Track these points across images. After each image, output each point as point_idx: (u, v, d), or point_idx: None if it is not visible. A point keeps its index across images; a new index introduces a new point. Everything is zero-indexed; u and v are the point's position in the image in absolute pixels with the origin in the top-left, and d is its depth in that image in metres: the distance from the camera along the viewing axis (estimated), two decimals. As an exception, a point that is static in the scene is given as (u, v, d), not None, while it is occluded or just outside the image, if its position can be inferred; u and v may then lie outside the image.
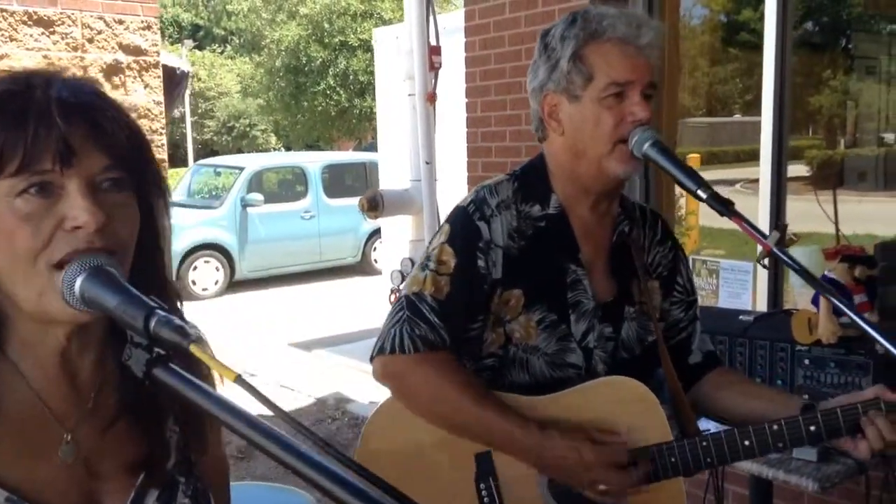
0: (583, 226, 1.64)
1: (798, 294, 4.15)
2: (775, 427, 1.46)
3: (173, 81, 5.55)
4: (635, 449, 1.53)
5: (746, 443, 1.48)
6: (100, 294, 0.86)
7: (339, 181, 11.97)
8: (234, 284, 10.94)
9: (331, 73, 18.86)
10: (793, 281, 4.26)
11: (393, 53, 6.49)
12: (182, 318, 1.07)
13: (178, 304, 1.07)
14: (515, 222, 1.60)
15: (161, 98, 5.12)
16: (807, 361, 2.55)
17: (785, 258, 1.33)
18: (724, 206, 1.39)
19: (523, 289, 1.59)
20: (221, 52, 29.87)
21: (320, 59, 18.79)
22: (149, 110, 5.06)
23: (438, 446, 1.58)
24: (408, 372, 1.56)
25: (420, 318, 1.55)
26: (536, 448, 1.50)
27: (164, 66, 5.34)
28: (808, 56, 9.83)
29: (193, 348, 0.79)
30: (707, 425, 2.48)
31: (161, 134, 5.12)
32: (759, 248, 1.41)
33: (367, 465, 1.60)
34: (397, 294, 1.64)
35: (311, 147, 21.68)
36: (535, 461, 1.52)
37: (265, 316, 9.34)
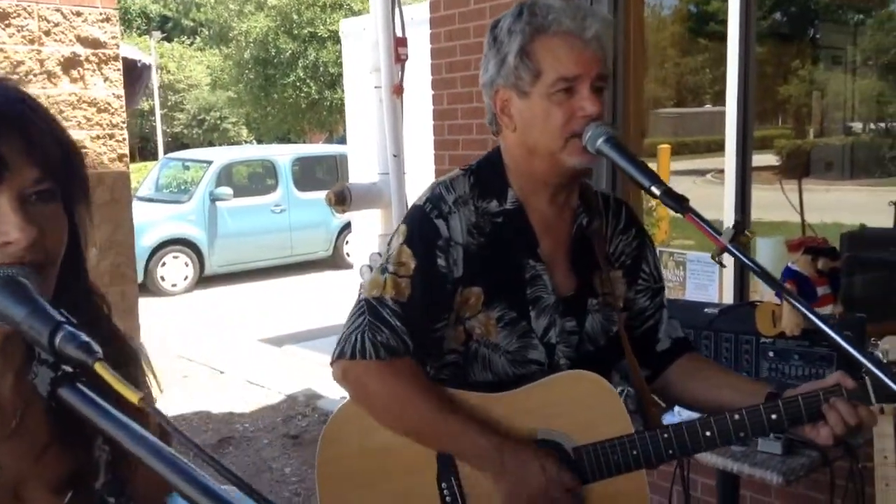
0: (541, 220, 1.62)
1: (764, 286, 4.16)
2: (736, 416, 1.45)
3: (134, 74, 5.43)
4: (594, 444, 1.52)
5: (708, 433, 1.47)
6: (8, 306, 0.81)
7: (309, 174, 11.88)
8: (204, 280, 10.85)
9: (300, 64, 18.70)
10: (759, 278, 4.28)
11: (360, 45, 6.43)
12: (108, 325, 1.02)
13: (105, 311, 1.02)
14: (474, 218, 1.57)
15: (121, 91, 5.01)
16: (771, 354, 2.55)
17: (740, 255, 1.30)
18: (679, 203, 1.37)
19: (483, 286, 1.57)
20: (191, 44, 29.52)
21: (290, 51, 18.61)
22: (108, 104, 4.95)
23: (399, 448, 1.56)
24: (368, 378, 1.53)
25: (382, 322, 1.53)
26: (497, 459, 1.48)
27: (125, 59, 5.23)
28: (776, 46, 9.91)
29: (98, 367, 0.74)
30: (673, 418, 2.48)
31: (122, 128, 5.02)
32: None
33: (328, 468, 1.61)
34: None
35: (282, 140, 21.53)
36: (495, 471, 1.50)
37: (235, 311, 9.25)
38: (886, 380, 1.27)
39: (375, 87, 4.77)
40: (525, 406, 1.54)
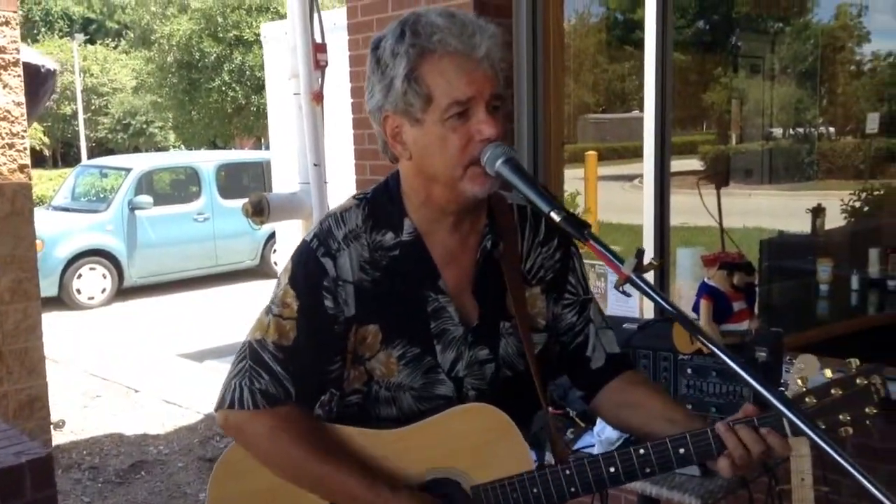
0: (443, 250, 1.51)
1: (684, 299, 4.15)
2: (642, 451, 1.37)
3: (37, 81, 5.13)
4: (485, 484, 1.43)
5: (612, 469, 1.38)
6: None
7: (235, 181, 11.60)
8: (123, 292, 10.51)
9: (226, 68, 18.33)
10: (678, 288, 4.27)
11: (282, 50, 6.26)
12: None
13: None
14: (367, 253, 1.47)
15: (22, 98, 4.73)
16: (689, 370, 2.51)
17: (642, 286, 1.22)
18: (579, 231, 1.28)
19: (379, 324, 1.47)
20: (115, 47, 28.72)
21: (214, 55, 18.22)
22: (8, 112, 4.68)
23: (287, 490, 1.48)
24: (246, 428, 1.46)
25: (263, 367, 1.45)
26: None
27: (27, 65, 4.94)
28: (699, 54, 10.08)
29: None
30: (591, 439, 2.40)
31: (22, 137, 4.75)
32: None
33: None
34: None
35: (210, 145, 21.07)
36: None
37: (155, 325, 8.93)
38: (796, 419, 1.18)
39: (294, 94, 4.64)
40: (421, 443, 1.46)
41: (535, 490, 1.41)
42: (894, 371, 3.13)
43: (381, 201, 1.51)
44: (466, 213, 1.50)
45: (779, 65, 9.28)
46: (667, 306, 1.22)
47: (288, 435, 1.44)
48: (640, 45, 3.44)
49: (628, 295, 1.27)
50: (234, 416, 1.46)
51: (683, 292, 4.22)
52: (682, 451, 1.35)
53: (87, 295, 10.17)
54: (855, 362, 1.36)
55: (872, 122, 7.46)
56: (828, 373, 1.36)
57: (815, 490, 2.12)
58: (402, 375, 1.47)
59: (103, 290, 10.32)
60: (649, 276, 3.46)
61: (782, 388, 2.12)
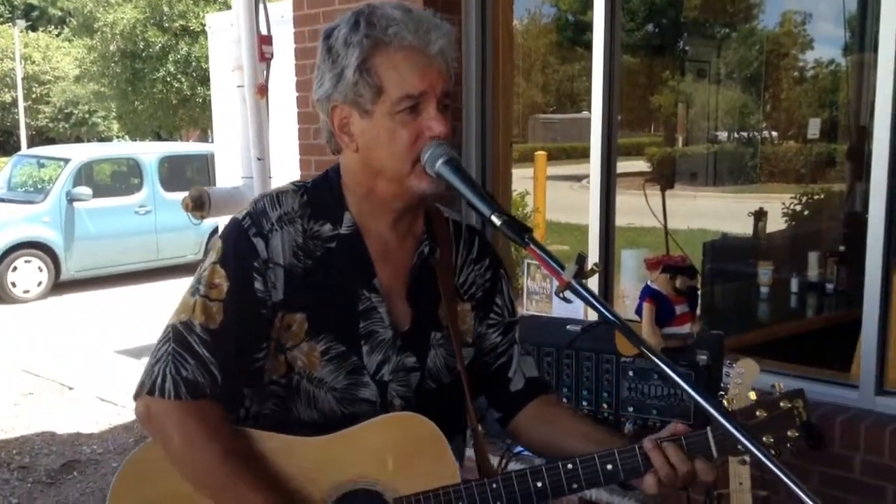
0: (381, 248, 1.48)
1: (627, 302, 4.17)
2: (570, 466, 1.35)
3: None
4: (416, 495, 1.38)
5: (539, 484, 1.35)
6: None
7: (178, 174, 11.35)
8: (60, 286, 10.20)
9: (171, 59, 17.96)
10: (623, 289, 4.29)
11: (227, 41, 6.14)
12: None
13: None
14: (301, 239, 1.43)
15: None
16: (631, 373, 2.50)
17: (583, 292, 1.18)
18: (520, 235, 1.24)
19: (307, 314, 1.42)
20: (58, 34, 27.97)
21: (160, 45, 17.84)
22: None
23: (197, 498, 1.40)
24: (165, 418, 1.38)
25: (188, 352, 1.38)
26: None
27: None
28: (648, 57, 10.20)
29: None
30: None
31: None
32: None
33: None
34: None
35: (156, 136, 20.65)
36: None
37: (92, 320, 8.69)
38: (733, 430, 1.16)
39: (239, 86, 4.54)
40: (344, 452, 1.40)
41: (459, 503, 1.37)
42: (832, 373, 3.18)
43: (321, 192, 1.48)
44: (407, 211, 1.48)
45: (724, 69, 9.44)
46: (607, 314, 1.19)
47: (202, 434, 1.36)
48: (590, 46, 3.45)
49: (569, 301, 1.24)
50: (153, 404, 1.38)
51: (629, 292, 4.23)
52: (609, 466, 1.34)
53: (23, 288, 9.87)
54: (779, 385, 1.36)
55: (814, 128, 7.62)
56: (752, 395, 1.36)
57: (753, 493, 2.13)
58: (324, 371, 1.42)
59: (39, 284, 10.03)
60: (594, 278, 3.41)
61: (722, 393, 2.12)
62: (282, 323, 1.41)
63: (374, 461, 1.39)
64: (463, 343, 1.54)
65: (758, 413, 1.30)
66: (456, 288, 1.55)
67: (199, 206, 4.63)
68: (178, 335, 1.38)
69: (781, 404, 1.31)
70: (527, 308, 3.52)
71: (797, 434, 1.30)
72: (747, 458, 1.32)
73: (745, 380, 2.11)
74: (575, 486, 1.35)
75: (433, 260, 1.51)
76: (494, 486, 1.36)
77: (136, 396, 1.41)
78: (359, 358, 1.44)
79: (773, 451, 1.30)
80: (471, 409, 1.51)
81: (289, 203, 1.43)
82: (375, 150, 1.39)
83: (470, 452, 1.54)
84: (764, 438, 1.30)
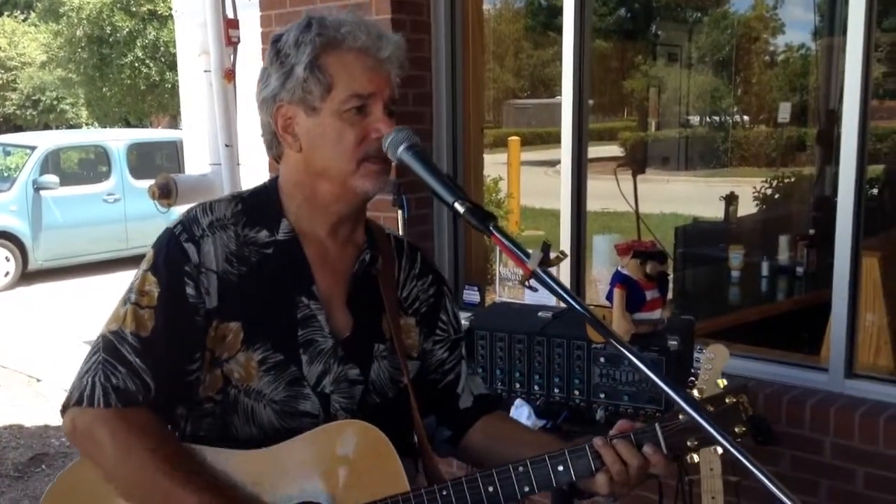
0: (320, 254, 1.45)
1: (599, 288, 4.16)
2: (521, 468, 1.32)
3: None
4: None
5: (490, 489, 1.32)
6: None
7: (147, 161, 11.17)
8: (28, 276, 10.01)
9: (139, 44, 17.65)
10: (595, 274, 4.29)
11: (194, 25, 6.04)
12: None
13: None
14: (234, 245, 1.41)
15: None
16: (602, 360, 2.50)
17: (548, 280, 1.16)
18: (484, 223, 1.22)
19: (242, 322, 1.39)
20: (25, 19, 27.39)
21: (127, 29, 17.53)
22: None
23: None
24: (95, 429, 1.32)
25: (119, 360, 1.33)
26: None
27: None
28: (620, 42, 10.19)
29: None
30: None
31: None
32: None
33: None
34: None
35: (125, 123, 20.33)
36: None
37: (60, 311, 8.56)
38: (700, 420, 1.14)
39: (205, 71, 4.47)
40: (287, 463, 1.35)
41: None
42: (802, 357, 3.20)
43: (257, 200, 1.47)
44: (348, 217, 1.46)
45: (696, 54, 9.46)
46: (573, 303, 1.17)
47: (135, 439, 1.31)
48: (562, 31, 3.42)
49: (534, 290, 1.21)
50: (81, 416, 1.32)
51: (601, 277, 4.23)
52: (560, 467, 1.32)
53: (-11, 278, 9.69)
54: (723, 382, 1.37)
55: (784, 112, 7.66)
56: (721, 382, 1.35)
57: (724, 479, 2.13)
58: (262, 383, 1.38)
59: (6, 274, 9.84)
60: (566, 263, 3.38)
61: (692, 379, 2.12)
62: (216, 332, 1.37)
63: (318, 472, 1.35)
64: (408, 357, 1.51)
65: (680, 417, 1.29)
66: (399, 301, 1.53)
67: (165, 193, 4.57)
68: (108, 345, 1.34)
69: (727, 400, 1.30)
70: (499, 295, 3.50)
71: (744, 429, 1.29)
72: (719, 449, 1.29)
73: (715, 365, 2.11)
74: (527, 488, 1.32)
75: (375, 270, 1.49)
76: (444, 492, 1.33)
77: (64, 410, 1.36)
78: (298, 368, 1.40)
79: (719, 448, 1.27)
80: (419, 423, 1.48)
81: (221, 210, 1.42)
82: (320, 148, 1.39)
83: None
84: (688, 442, 1.29)
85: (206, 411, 1.40)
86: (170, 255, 1.37)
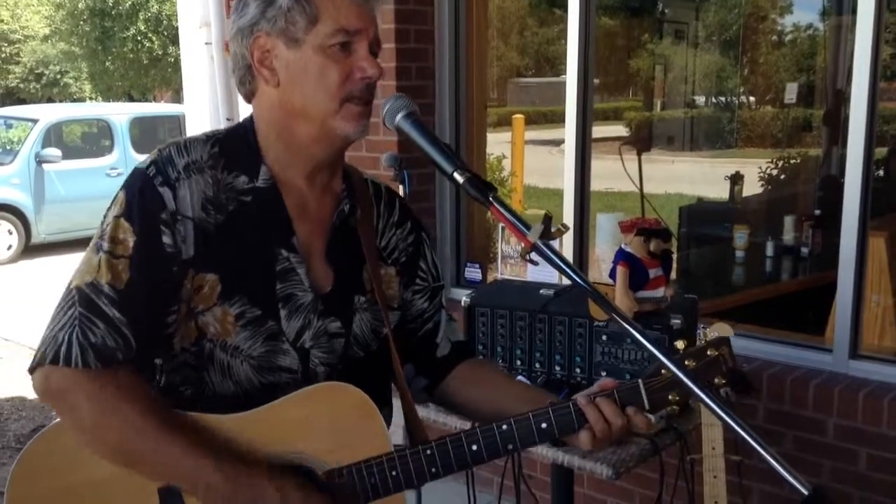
0: (299, 203, 1.38)
1: (601, 265, 4.14)
2: (504, 427, 1.31)
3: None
4: (341, 468, 1.32)
5: (474, 447, 1.31)
6: None
7: (150, 135, 11.12)
8: (31, 249, 10.01)
9: (141, 17, 17.54)
10: (599, 253, 4.26)
11: (196, -2, 5.99)
12: None
13: None
14: (211, 191, 1.32)
15: None
16: (604, 337, 2.48)
17: (549, 253, 1.14)
18: (483, 194, 1.19)
19: (219, 274, 1.31)
20: (27, -8, 27.22)
21: (130, 2, 17.43)
22: None
23: (111, 482, 1.28)
24: (73, 388, 1.24)
25: (97, 315, 1.25)
26: (229, 487, 1.24)
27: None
28: (626, 20, 10.08)
29: None
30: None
31: None
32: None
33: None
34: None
35: (128, 97, 20.26)
36: (226, 503, 1.26)
37: (64, 284, 8.53)
38: (693, 386, 1.12)
39: (206, 44, 4.43)
40: (269, 426, 1.32)
41: (393, 473, 1.31)
42: (806, 337, 3.18)
43: (234, 142, 1.37)
44: (325, 163, 1.39)
45: (703, 33, 9.36)
46: (573, 275, 1.15)
47: (121, 399, 1.24)
48: (567, 8, 3.38)
49: (535, 263, 1.19)
50: (57, 375, 1.24)
51: (605, 256, 4.21)
52: (544, 425, 1.31)
53: (-8, 252, 9.69)
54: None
55: (791, 92, 7.59)
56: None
57: (725, 458, 2.12)
58: (239, 338, 1.32)
59: (9, 247, 9.84)
60: (568, 242, 3.35)
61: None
62: (192, 284, 1.30)
63: (302, 435, 1.32)
64: (389, 307, 1.47)
65: (686, 363, 1.29)
66: (379, 251, 1.48)
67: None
68: (84, 298, 1.25)
69: (708, 352, 1.30)
70: (501, 272, 3.48)
71: (724, 381, 1.29)
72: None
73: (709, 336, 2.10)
74: (510, 446, 1.31)
75: (353, 220, 1.43)
76: (429, 452, 1.31)
77: (34, 368, 1.27)
78: (276, 323, 1.34)
79: (677, 408, 1.31)
80: (400, 373, 1.45)
81: (198, 151, 1.32)
82: (300, 84, 1.31)
83: (399, 418, 1.49)
84: (670, 396, 1.30)
85: (180, 363, 1.35)
86: (144, 200, 1.28)
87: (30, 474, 1.29)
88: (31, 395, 5.37)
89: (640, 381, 1.30)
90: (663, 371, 1.29)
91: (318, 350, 1.38)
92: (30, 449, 1.30)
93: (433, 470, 1.31)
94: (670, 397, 1.29)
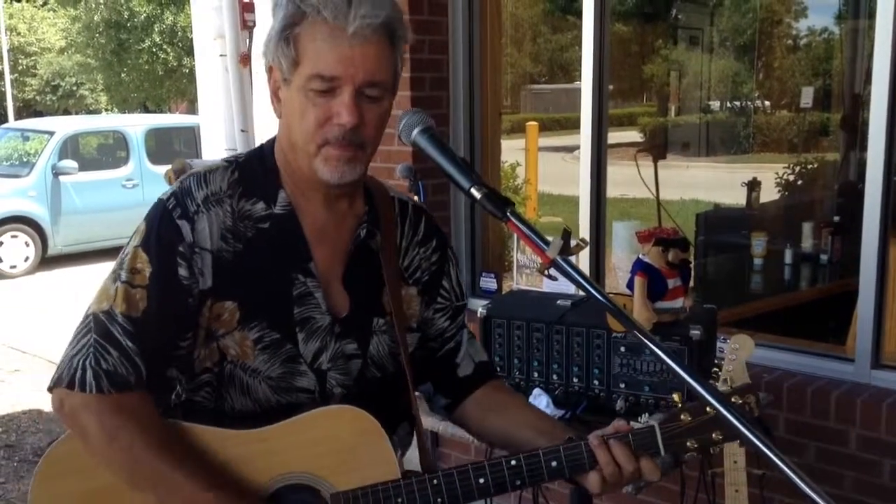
0: (317, 229, 1.39)
1: (618, 276, 4.11)
2: (513, 462, 1.29)
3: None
4: (346, 491, 1.31)
5: (481, 480, 1.29)
6: None
7: (165, 146, 11.19)
8: (48, 260, 10.07)
9: (156, 29, 17.68)
10: (615, 261, 4.23)
11: (209, 9, 6.02)
12: None
13: None
14: (230, 221, 1.33)
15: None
16: (622, 349, 2.46)
17: (569, 269, 1.12)
18: (501, 209, 1.17)
19: (238, 301, 1.33)
20: (43, 4, 27.53)
21: (145, 14, 17.57)
22: None
23: (122, 489, 1.32)
24: (84, 414, 1.28)
25: (111, 342, 1.28)
26: None
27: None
28: (640, 26, 10.05)
29: None
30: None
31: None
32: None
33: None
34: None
35: (143, 109, 20.43)
36: None
37: (81, 295, 8.59)
38: (724, 410, 1.09)
39: (221, 56, 4.44)
40: (280, 445, 1.33)
41: (399, 500, 1.30)
42: (827, 347, 3.14)
43: (253, 167, 1.39)
44: (337, 193, 1.38)
45: (717, 37, 9.32)
46: (594, 292, 1.12)
47: (128, 424, 1.27)
48: (581, 15, 3.37)
49: (554, 279, 1.17)
50: (71, 399, 1.28)
51: (621, 265, 4.18)
52: (554, 463, 1.29)
53: (10, 263, 9.73)
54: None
55: (807, 97, 7.53)
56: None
57: (748, 471, 2.09)
58: (258, 360, 1.34)
59: (26, 259, 9.90)
60: (585, 250, 3.31)
61: (716, 370, 2.07)
62: (211, 312, 1.33)
63: (312, 455, 1.32)
64: (407, 329, 1.47)
65: (707, 410, 1.26)
66: (401, 271, 1.47)
67: (182, 179, 4.56)
68: (99, 325, 1.29)
69: (733, 399, 1.28)
70: (517, 282, 3.46)
71: (720, 437, 1.27)
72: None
73: (739, 356, 2.07)
74: (518, 482, 1.30)
75: (374, 243, 1.43)
76: (435, 482, 1.29)
77: (52, 388, 1.31)
78: (294, 346, 1.36)
79: (720, 448, 1.28)
80: (414, 400, 1.45)
81: (217, 182, 1.34)
82: (291, 122, 1.32)
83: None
84: (713, 435, 1.27)
85: (202, 382, 1.37)
86: (162, 232, 1.31)
87: (53, 475, 1.33)
88: (47, 407, 5.39)
89: (655, 425, 1.28)
90: (682, 416, 1.26)
91: (335, 372, 1.39)
92: (54, 450, 1.34)
93: (438, 500, 1.30)
94: (689, 444, 1.26)
